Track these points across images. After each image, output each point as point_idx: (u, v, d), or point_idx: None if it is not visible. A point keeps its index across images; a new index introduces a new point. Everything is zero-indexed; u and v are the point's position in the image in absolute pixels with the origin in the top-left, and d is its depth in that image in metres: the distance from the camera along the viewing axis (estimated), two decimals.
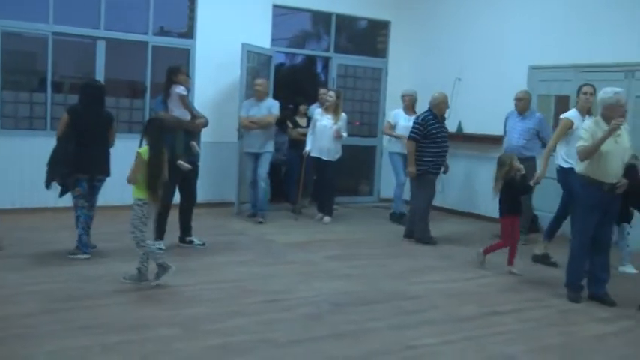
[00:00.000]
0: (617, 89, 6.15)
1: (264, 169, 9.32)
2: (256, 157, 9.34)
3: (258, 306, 5.54)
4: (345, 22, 11.85)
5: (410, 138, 8.54)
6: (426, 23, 11.67)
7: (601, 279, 6.30)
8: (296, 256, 7.44)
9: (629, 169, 6.26)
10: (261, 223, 9.07)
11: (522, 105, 8.76)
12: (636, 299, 6.24)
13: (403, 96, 9.99)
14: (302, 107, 10.39)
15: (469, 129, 10.64)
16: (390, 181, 11.89)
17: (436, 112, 8.52)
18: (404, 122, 9.71)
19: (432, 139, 8.43)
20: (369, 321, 5.28)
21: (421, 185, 8.57)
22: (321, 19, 11.85)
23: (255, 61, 10.02)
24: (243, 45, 9.68)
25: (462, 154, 10.46)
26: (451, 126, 10.40)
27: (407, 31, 11.85)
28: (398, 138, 9.78)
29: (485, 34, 10.63)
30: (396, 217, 9.90)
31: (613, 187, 6.09)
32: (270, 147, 9.39)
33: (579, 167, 6.19)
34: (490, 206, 10.14)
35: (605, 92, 6.11)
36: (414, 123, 8.59)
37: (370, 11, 11.66)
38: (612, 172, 6.06)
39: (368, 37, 12.47)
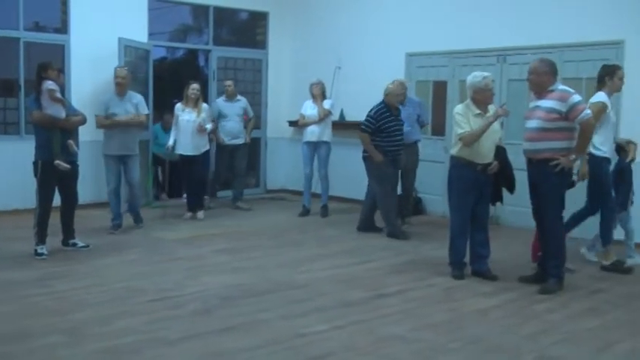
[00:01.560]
0: (486, 74, 6.42)
1: (136, 172, 8.57)
2: (122, 159, 8.38)
3: (147, 305, 5.46)
4: (224, 15, 11.77)
5: (361, 130, 8.36)
6: (304, 13, 11.77)
7: (482, 255, 6.57)
8: (184, 252, 7.36)
9: (498, 151, 6.54)
10: (141, 227, 8.64)
11: (403, 99, 8.83)
12: (518, 272, 6.56)
13: (312, 85, 9.83)
14: None
15: (351, 117, 10.81)
16: (276, 172, 12.03)
17: (389, 104, 8.34)
18: (310, 111, 9.75)
19: (387, 132, 8.24)
20: (258, 312, 5.30)
21: (379, 180, 8.40)
22: (200, 11, 11.72)
23: (133, 56, 9.81)
24: (120, 39, 9.48)
25: (345, 141, 10.62)
26: (334, 114, 10.56)
27: (285, 22, 11.92)
28: (308, 125, 9.74)
29: (363, 22, 10.81)
30: (305, 211, 9.88)
31: (485, 167, 6.37)
32: (137, 148, 8.57)
33: (454, 150, 6.44)
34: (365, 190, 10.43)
35: (475, 77, 6.36)
36: (367, 116, 8.36)
37: (248, 3, 11.63)
38: (485, 153, 6.34)
39: (247, 29, 12.44)
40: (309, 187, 9.92)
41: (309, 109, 9.78)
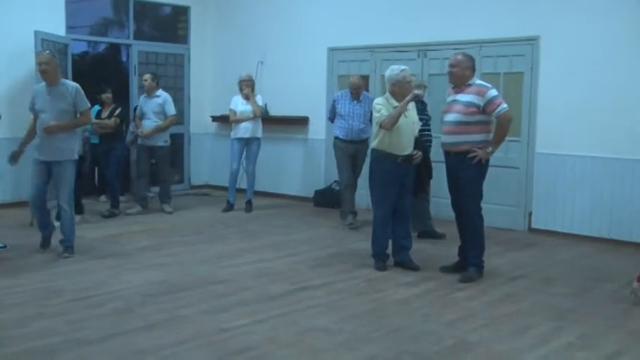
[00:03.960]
0: (403, 67, 6.50)
1: (67, 188, 6.85)
2: (48, 167, 6.85)
3: (66, 305, 5.33)
4: (145, 8, 11.60)
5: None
6: (226, 8, 11.71)
7: (404, 246, 6.67)
8: (106, 250, 7.23)
9: (418, 142, 6.63)
10: (67, 257, 6.84)
11: (357, 91, 8.61)
12: (439, 262, 6.70)
13: (241, 82, 9.61)
14: (104, 96, 9.51)
15: (274, 111, 10.81)
16: (199, 167, 11.93)
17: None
18: (242, 107, 9.53)
19: None
20: (180, 308, 5.26)
21: None
22: (120, 5, 11.50)
23: (50, 50, 9.53)
24: (36, 33, 9.21)
25: (269, 136, 10.60)
26: None
27: (207, 16, 11.85)
28: (241, 121, 9.53)
29: (286, 17, 10.82)
30: (229, 207, 9.74)
31: (407, 159, 6.45)
32: (71, 153, 6.88)
33: (374, 142, 6.50)
34: (296, 186, 10.49)
35: (393, 70, 6.45)
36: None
37: None
38: (404, 144, 6.41)
39: (168, 23, 12.28)
40: (235, 183, 9.82)
41: (241, 104, 9.57)
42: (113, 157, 9.34)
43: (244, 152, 9.75)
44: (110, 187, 9.56)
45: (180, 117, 11.61)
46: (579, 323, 5.12)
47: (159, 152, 9.60)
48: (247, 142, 9.65)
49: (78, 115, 6.89)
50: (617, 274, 6.62)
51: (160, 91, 9.61)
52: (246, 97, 9.55)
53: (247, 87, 9.57)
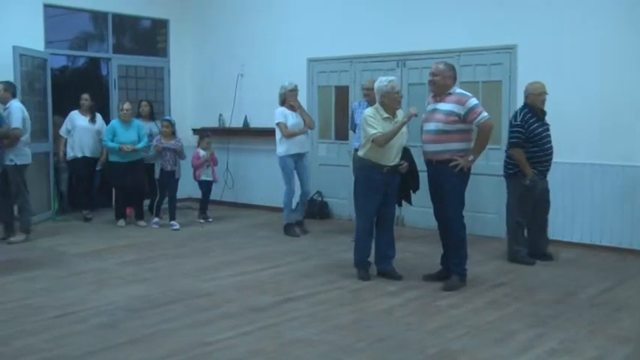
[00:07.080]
0: (392, 77, 6.53)
1: None
2: None
3: (49, 322, 5.28)
4: (123, 22, 11.59)
5: (513, 145, 7.14)
6: (205, 20, 11.72)
7: (387, 256, 6.68)
8: (88, 266, 7.17)
9: (404, 151, 6.65)
10: None
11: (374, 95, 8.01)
12: (422, 271, 6.71)
13: (289, 92, 8.77)
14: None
15: (255, 123, 10.80)
16: (181, 181, 11.82)
17: (533, 106, 7.21)
18: (292, 119, 8.68)
19: (534, 142, 7.11)
20: (164, 323, 5.24)
21: (520, 198, 7.29)
22: (99, 19, 11.47)
23: (29, 65, 9.51)
24: (15, 48, 9.16)
25: (250, 148, 10.60)
26: (238, 121, 10.53)
27: (186, 29, 11.87)
28: (299, 134, 8.71)
29: (264, 29, 10.85)
30: (291, 228, 8.90)
31: (392, 169, 6.47)
32: None
33: (361, 152, 6.51)
34: (278, 197, 10.44)
35: (381, 81, 6.45)
36: (513, 125, 7.17)
37: (147, 10, 11.49)
38: (392, 156, 6.42)
39: (147, 37, 12.26)
40: (292, 204, 8.97)
41: (291, 117, 8.70)
42: None
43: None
44: None
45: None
46: (561, 329, 5.16)
47: (8, 173, 8.20)
48: (299, 157, 8.85)
49: None
50: (598, 279, 6.68)
51: (10, 102, 8.26)
52: (294, 109, 8.79)
53: (295, 98, 8.81)
